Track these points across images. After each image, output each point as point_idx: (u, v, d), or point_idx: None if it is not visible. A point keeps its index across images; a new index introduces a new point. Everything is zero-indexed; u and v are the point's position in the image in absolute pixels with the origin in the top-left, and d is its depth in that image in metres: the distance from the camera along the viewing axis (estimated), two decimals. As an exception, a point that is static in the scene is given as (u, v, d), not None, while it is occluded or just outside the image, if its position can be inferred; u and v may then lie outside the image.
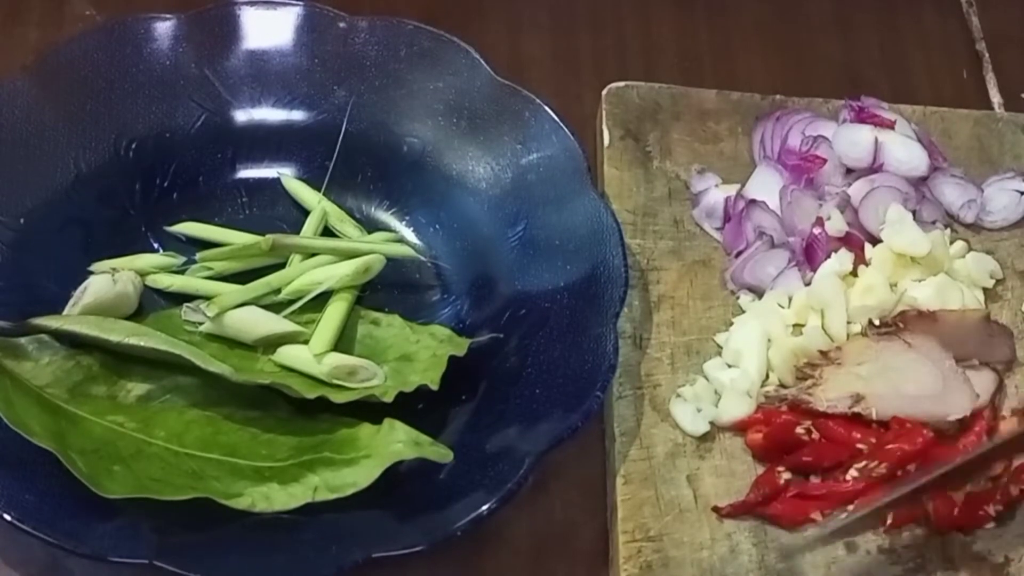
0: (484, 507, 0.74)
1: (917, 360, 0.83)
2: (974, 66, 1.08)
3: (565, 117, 0.89)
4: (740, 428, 0.83)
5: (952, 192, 0.94)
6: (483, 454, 0.78)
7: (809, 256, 0.89)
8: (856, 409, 0.82)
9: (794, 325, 0.87)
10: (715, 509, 0.80)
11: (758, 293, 0.89)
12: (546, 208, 0.87)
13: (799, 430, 0.82)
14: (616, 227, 0.85)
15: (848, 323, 0.86)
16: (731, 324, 0.87)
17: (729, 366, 0.85)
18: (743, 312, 0.88)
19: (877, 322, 0.84)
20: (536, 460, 0.75)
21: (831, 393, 0.82)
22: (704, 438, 0.83)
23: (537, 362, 0.82)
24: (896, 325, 0.84)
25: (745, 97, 0.98)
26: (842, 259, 0.88)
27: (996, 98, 1.06)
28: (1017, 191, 0.95)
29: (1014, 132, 1.00)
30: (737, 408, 0.83)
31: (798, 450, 0.81)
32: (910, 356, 0.83)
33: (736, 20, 1.08)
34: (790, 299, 0.87)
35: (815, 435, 0.81)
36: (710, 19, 1.08)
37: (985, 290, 0.91)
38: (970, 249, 0.92)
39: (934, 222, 0.92)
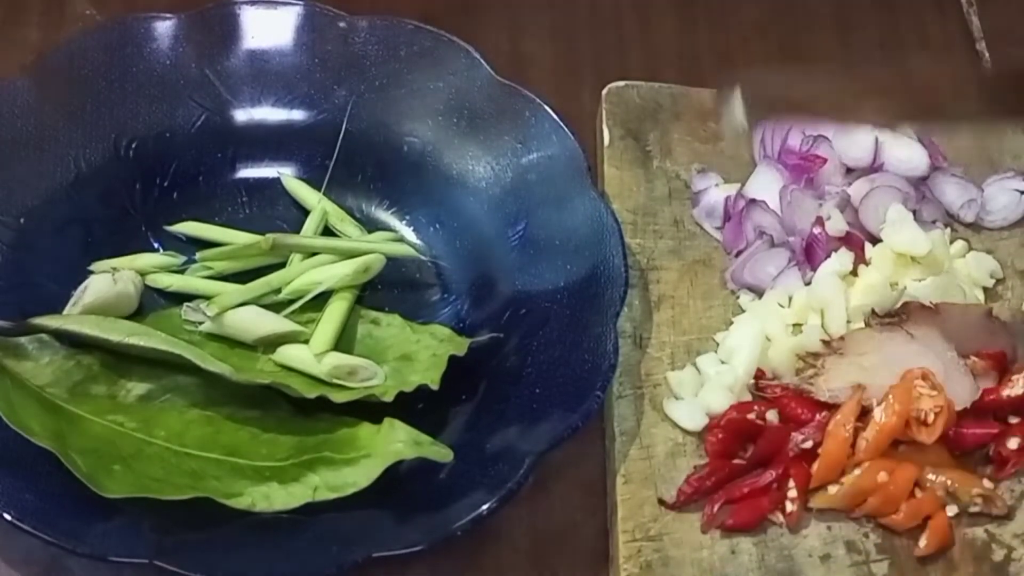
0: (484, 507, 0.74)
1: (919, 351, 0.83)
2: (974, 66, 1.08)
3: (565, 117, 0.89)
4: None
5: (952, 191, 0.94)
6: (483, 454, 0.78)
7: (809, 255, 0.89)
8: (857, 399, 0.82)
9: (794, 325, 0.87)
10: (660, 502, 0.80)
11: (758, 293, 0.89)
12: (546, 208, 0.87)
13: (751, 415, 0.82)
14: (616, 227, 0.85)
15: (848, 322, 0.86)
16: (731, 323, 0.87)
17: (723, 363, 0.85)
18: (743, 312, 0.88)
19: (880, 312, 0.84)
20: (536, 460, 0.75)
21: (833, 383, 0.82)
22: (704, 436, 0.83)
23: (537, 362, 0.82)
24: (899, 316, 0.84)
25: (745, 97, 0.98)
26: (842, 258, 0.88)
27: (996, 98, 1.06)
28: (1017, 191, 0.95)
29: (1014, 132, 1.00)
30: (716, 401, 0.82)
31: (755, 439, 0.81)
32: (913, 347, 0.83)
33: (736, 20, 1.08)
34: (790, 299, 0.87)
35: (771, 420, 0.82)
36: (710, 19, 1.08)
37: (985, 290, 0.91)
38: (970, 249, 0.92)
39: (934, 222, 0.92)
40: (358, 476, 0.75)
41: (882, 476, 0.79)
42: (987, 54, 1.08)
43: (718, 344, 0.86)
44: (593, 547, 0.81)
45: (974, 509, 0.81)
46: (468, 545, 0.78)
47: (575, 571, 0.80)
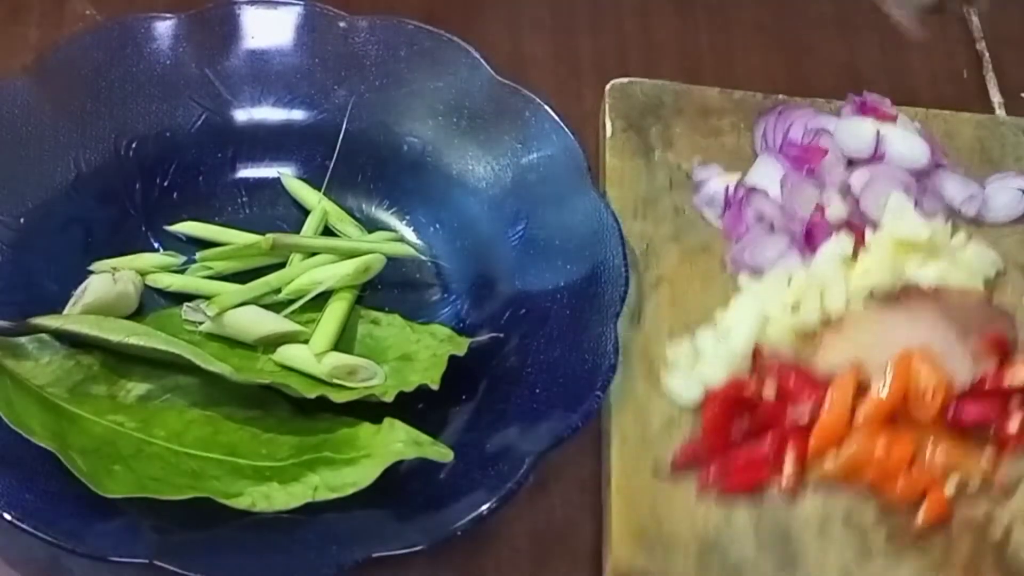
0: (484, 507, 0.74)
1: (918, 331, 0.83)
2: (974, 66, 1.08)
3: (565, 116, 0.89)
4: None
5: (954, 187, 0.94)
6: (483, 454, 0.78)
7: (809, 240, 0.88)
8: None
9: (793, 305, 0.86)
10: (656, 470, 0.79)
11: (758, 275, 0.88)
12: (546, 207, 0.87)
13: (748, 390, 0.81)
14: (616, 227, 0.85)
15: (848, 304, 0.86)
16: (730, 303, 0.87)
17: (721, 338, 0.85)
18: (743, 292, 0.88)
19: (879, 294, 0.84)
20: (536, 460, 0.75)
21: (831, 360, 0.82)
22: (700, 410, 0.82)
23: (537, 362, 0.82)
24: (899, 298, 0.84)
25: (747, 96, 0.98)
26: (843, 241, 0.88)
27: (996, 98, 1.06)
28: (1019, 189, 0.95)
29: (1015, 135, 1.00)
30: (713, 375, 0.82)
31: (751, 413, 0.81)
32: (911, 327, 0.83)
33: (736, 20, 1.08)
34: (790, 279, 0.87)
35: (768, 395, 0.81)
36: (710, 19, 1.08)
37: (986, 283, 0.90)
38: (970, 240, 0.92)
39: (935, 214, 0.92)
40: (358, 476, 0.75)
41: (879, 449, 0.79)
42: (987, 54, 1.08)
43: (717, 322, 0.86)
44: (593, 547, 0.81)
45: (973, 486, 0.81)
46: (468, 545, 0.78)
47: (575, 571, 0.80)
